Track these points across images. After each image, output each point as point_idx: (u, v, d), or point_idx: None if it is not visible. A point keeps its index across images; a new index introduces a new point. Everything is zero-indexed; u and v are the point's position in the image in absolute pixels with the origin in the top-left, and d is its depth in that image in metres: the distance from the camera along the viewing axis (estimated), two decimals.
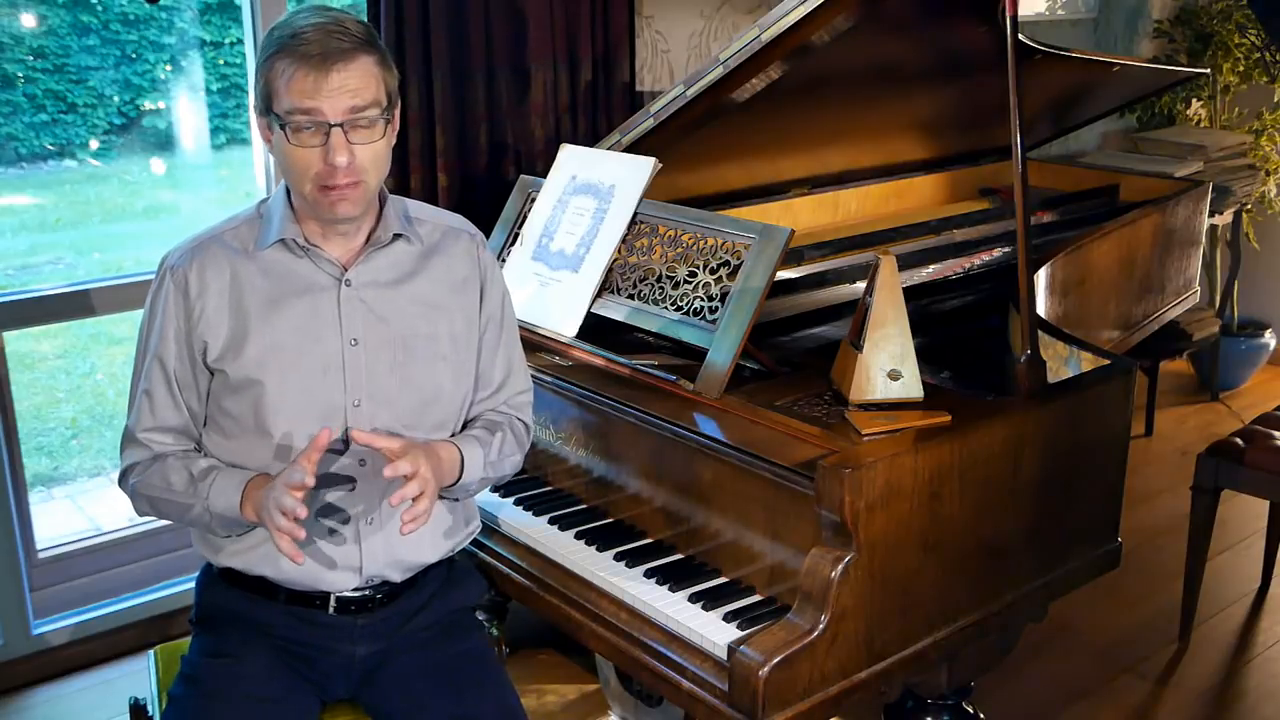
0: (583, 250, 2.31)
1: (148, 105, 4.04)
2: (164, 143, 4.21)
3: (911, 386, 1.86)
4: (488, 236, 2.26)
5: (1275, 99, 4.67)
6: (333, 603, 1.73)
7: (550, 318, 2.29)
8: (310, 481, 1.54)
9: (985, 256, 3.05)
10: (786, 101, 2.57)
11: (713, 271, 2.09)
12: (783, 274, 2.58)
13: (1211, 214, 3.68)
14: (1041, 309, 2.47)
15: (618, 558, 1.96)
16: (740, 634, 1.72)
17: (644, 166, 2.31)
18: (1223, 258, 4.72)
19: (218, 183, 4.65)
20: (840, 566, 1.66)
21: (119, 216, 4.62)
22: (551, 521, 2.09)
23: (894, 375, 1.85)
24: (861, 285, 2.55)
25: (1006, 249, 3.09)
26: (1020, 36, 2.01)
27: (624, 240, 2.27)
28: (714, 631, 1.73)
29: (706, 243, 2.14)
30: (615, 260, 2.26)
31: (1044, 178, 3.76)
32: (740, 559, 1.88)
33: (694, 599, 1.82)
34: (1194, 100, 4.74)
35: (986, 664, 2.05)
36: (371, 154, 1.62)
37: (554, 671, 2.83)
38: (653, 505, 2.02)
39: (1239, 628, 3.09)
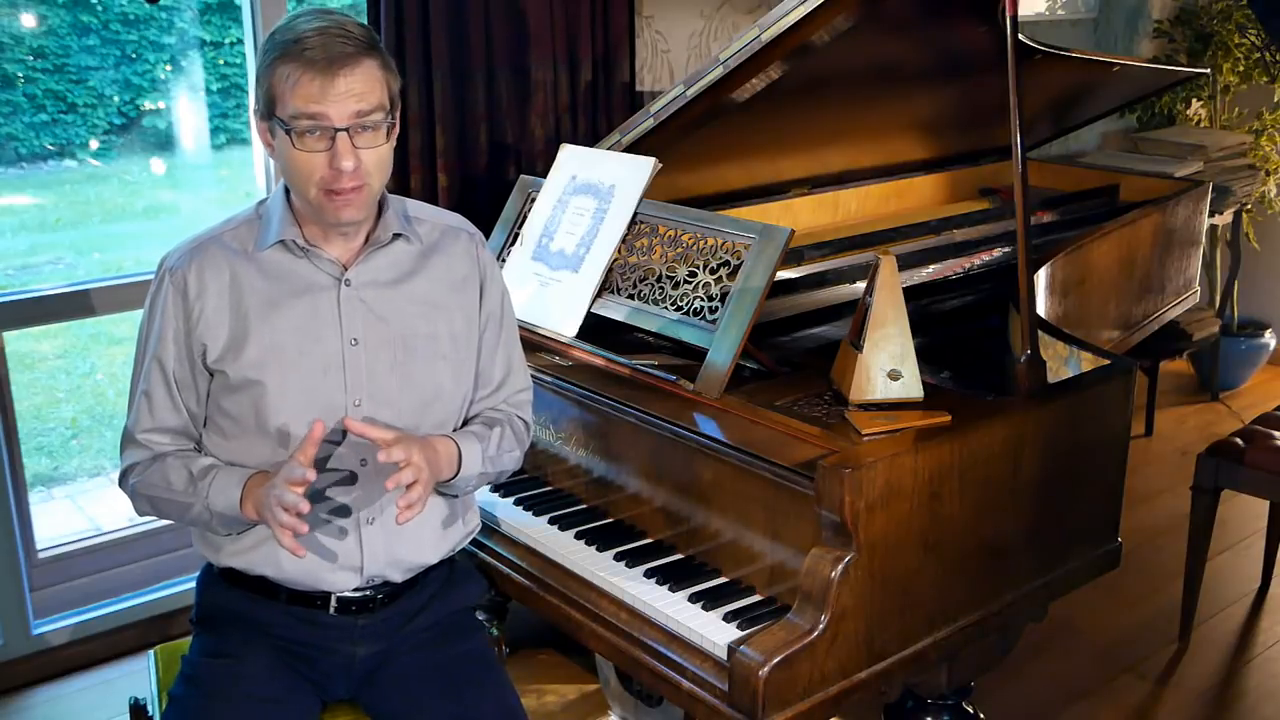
0: (583, 250, 2.31)
1: (148, 105, 4.04)
2: (164, 143, 4.21)
3: (911, 386, 1.86)
4: (488, 236, 2.26)
5: (1275, 99, 4.67)
6: (333, 603, 1.73)
7: (550, 318, 2.29)
8: (311, 476, 1.55)
9: (985, 256, 3.05)
10: (786, 101, 2.57)
11: (713, 271, 2.09)
12: (783, 274, 2.58)
13: (1211, 214, 3.68)
14: (1041, 309, 2.47)
15: (618, 558, 1.96)
16: (740, 634, 1.72)
17: (644, 166, 2.31)
18: (1223, 258, 4.72)
19: (218, 183, 4.65)
20: (840, 566, 1.66)
21: (119, 216, 4.62)
22: (551, 521, 2.09)
23: (894, 375, 1.85)
24: (861, 285, 2.55)
25: (1006, 249, 3.09)
26: (1020, 36, 2.01)
27: (624, 240, 2.27)
28: (714, 631, 1.73)
29: (706, 243, 2.14)
30: (615, 260, 2.26)
31: (1044, 178, 3.76)
32: (740, 559, 1.88)
33: (694, 599, 1.82)
34: (1194, 100, 4.74)
35: (986, 664, 2.05)
36: (376, 158, 1.62)
37: (554, 671, 2.83)
38: (653, 505, 2.02)
39: (1239, 628, 3.09)
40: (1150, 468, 4.04)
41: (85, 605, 2.95)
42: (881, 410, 1.85)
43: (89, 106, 3.82)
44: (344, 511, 1.71)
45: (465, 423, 1.83)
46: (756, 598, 1.83)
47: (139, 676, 2.42)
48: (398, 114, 1.66)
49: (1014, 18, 1.93)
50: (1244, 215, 4.54)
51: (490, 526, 2.13)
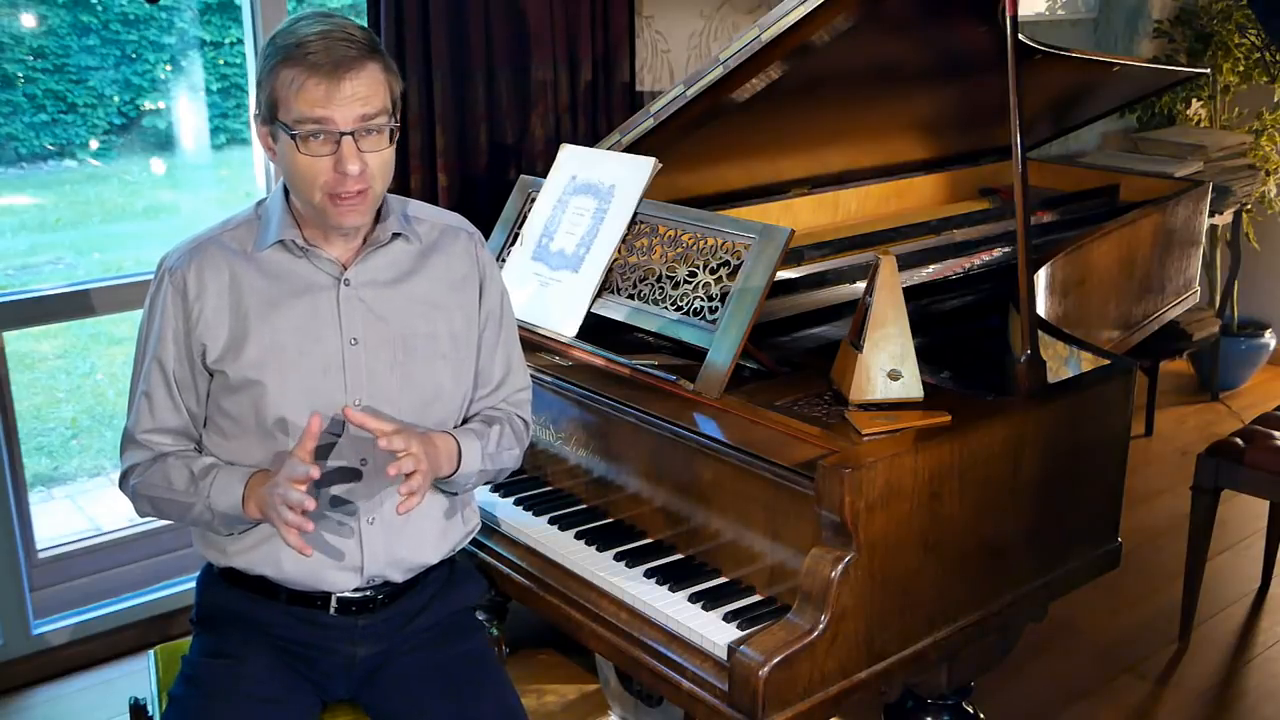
0: (583, 250, 2.31)
1: (148, 105, 4.04)
2: (164, 143, 4.21)
3: (911, 386, 1.86)
4: (488, 237, 2.26)
5: (1275, 99, 4.67)
6: (334, 603, 1.73)
7: (550, 318, 2.29)
8: (315, 473, 1.55)
9: (985, 256, 3.05)
10: (786, 101, 2.57)
11: (713, 271, 2.09)
12: (783, 274, 2.58)
13: (1211, 214, 3.68)
14: (1041, 309, 2.47)
15: (618, 558, 1.96)
16: (740, 634, 1.72)
17: (644, 166, 2.31)
18: (1223, 258, 4.72)
19: (218, 183, 4.65)
20: (840, 566, 1.66)
21: (119, 216, 4.62)
22: (551, 521, 2.09)
23: (894, 375, 1.85)
24: (861, 285, 2.55)
25: (1006, 249, 3.09)
26: (1020, 36, 2.01)
27: (624, 240, 2.27)
28: (714, 631, 1.73)
29: (706, 243, 2.14)
30: (615, 260, 2.26)
31: (1044, 178, 3.76)
32: (740, 559, 1.88)
33: (694, 599, 1.82)
34: (1194, 100, 4.74)
35: (986, 664, 2.05)
36: (380, 161, 1.62)
37: (554, 671, 2.83)
38: (653, 505, 2.02)
39: (1239, 628, 3.09)
40: (1150, 468, 4.04)
41: (85, 605, 2.95)
42: (881, 410, 1.85)
43: (89, 106, 3.82)
44: (345, 511, 1.71)
45: (465, 421, 1.83)
46: (756, 598, 1.83)
47: (139, 676, 2.42)
48: (398, 116, 1.66)
49: (1014, 18, 1.93)
50: (1244, 215, 4.54)
51: (490, 526, 2.13)
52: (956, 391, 1.98)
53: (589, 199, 2.37)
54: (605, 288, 2.25)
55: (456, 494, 1.83)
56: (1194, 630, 3.01)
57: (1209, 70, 4.52)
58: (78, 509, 3.82)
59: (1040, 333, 2.06)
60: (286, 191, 1.70)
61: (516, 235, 2.50)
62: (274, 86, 1.57)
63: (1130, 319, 3.10)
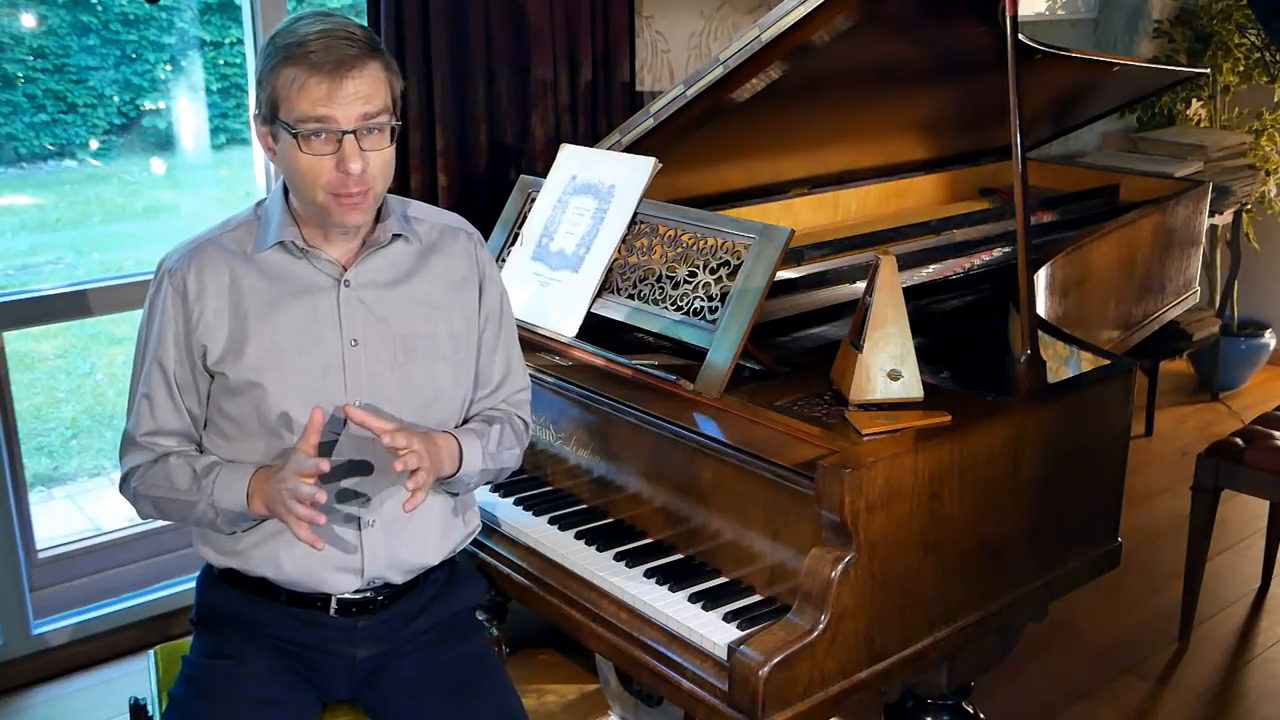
0: (583, 250, 2.31)
1: (148, 105, 4.04)
2: (164, 143, 4.21)
3: (911, 386, 1.86)
4: (488, 237, 2.26)
5: (1275, 99, 4.67)
6: (334, 604, 1.73)
7: (550, 318, 2.29)
8: (325, 467, 1.55)
9: (985, 256, 3.05)
10: (786, 101, 2.57)
11: (713, 271, 2.09)
12: (783, 274, 2.58)
13: (1211, 214, 3.68)
14: (1041, 309, 2.47)
15: (618, 558, 1.96)
16: (740, 634, 1.72)
17: (644, 166, 2.31)
18: (1223, 258, 4.72)
19: (218, 183, 4.65)
20: (840, 566, 1.66)
21: (119, 216, 4.62)
22: (552, 521, 2.09)
23: (894, 375, 1.85)
24: (861, 285, 2.55)
25: (1006, 249, 3.09)
26: (1020, 36, 2.01)
27: (624, 240, 2.27)
28: (714, 631, 1.73)
29: (706, 243, 2.14)
30: (615, 260, 2.26)
31: (1044, 178, 3.76)
32: (740, 559, 1.88)
33: (694, 599, 1.82)
34: (1194, 100, 4.74)
35: (986, 664, 2.05)
36: (381, 160, 1.62)
37: (554, 671, 2.83)
38: (653, 505, 2.02)
39: (1239, 628, 3.09)
40: (1150, 468, 4.04)
41: (85, 605, 2.95)
42: (881, 410, 1.85)
43: (89, 106, 3.82)
44: (346, 512, 1.71)
45: (465, 422, 1.83)
46: (756, 598, 1.83)
47: (139, 676, 2.42)
48: (399, 115, 1.66)
49: (1014, 18, 1.93)
50: (1244, 215, 4.54)
51: (490, 527, 2.13)
52: (956, 391, 1.98)
53: (589, 199, 2.37)
54: (605, 288, 2.25)
55: (458, 494, 1.83)
56: (1194, 630, 3.01)
57: (1209, 70, 4.52)
58: (78, 509, 3.82)
59: (1040, 333, 2.06)
60: (286, 192, 1.70)
61: (516, 235, 2.50)
62: (275, 86, 1.57)
63: (1130, 319, 3.10)
